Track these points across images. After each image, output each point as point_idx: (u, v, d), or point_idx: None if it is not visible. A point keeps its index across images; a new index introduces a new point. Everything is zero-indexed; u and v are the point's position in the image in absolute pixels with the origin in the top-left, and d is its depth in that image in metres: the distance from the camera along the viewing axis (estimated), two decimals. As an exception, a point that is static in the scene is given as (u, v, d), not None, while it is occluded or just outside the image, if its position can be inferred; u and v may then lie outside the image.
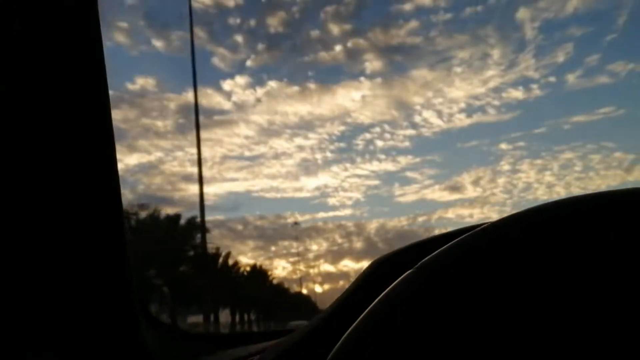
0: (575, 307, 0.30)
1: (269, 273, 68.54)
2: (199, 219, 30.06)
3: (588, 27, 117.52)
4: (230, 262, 53.75)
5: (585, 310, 0.28)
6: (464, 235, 0.34)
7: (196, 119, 33.28)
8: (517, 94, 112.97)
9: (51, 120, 0.55)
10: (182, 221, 35.27)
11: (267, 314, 59.80)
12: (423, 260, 0.35)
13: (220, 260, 47.45)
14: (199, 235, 29.31)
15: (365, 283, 0.58)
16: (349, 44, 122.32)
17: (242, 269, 56.59)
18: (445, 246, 0.34)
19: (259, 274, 60.24)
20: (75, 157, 0.57)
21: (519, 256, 0.31)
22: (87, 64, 0.62)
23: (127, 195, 29.20)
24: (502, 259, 0.31)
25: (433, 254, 0.34)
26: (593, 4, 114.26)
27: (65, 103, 0.57)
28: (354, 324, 0.33)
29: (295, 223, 57.07)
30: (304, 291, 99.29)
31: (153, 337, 0.68)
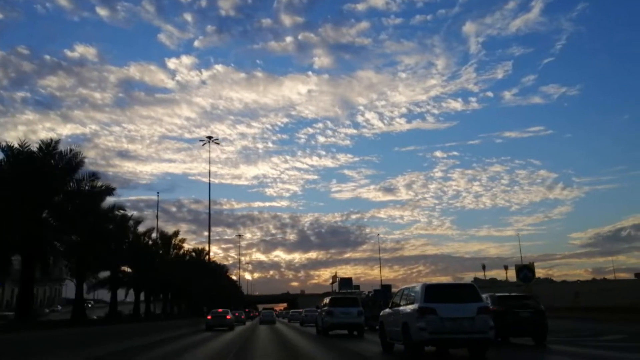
0: None
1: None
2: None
3: (528, 48, 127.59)
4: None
5: None
6: None
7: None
8: (456, 105, 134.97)
9: None
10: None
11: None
12: None
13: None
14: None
15: None
16: (300, 37, 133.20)
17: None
18: None
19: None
20: None
21: None
22: None
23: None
24: None
25: None
26: (535, 26, 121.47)
27: None
28: None
29: (209, 137, 49.74)
30: (234, 277, 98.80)
31: None
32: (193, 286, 51.43)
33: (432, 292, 11.79)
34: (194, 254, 62.22)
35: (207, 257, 59.51)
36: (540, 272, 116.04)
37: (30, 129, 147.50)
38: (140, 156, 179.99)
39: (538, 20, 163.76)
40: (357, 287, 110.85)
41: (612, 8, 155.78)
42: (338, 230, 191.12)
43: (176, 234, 53.08)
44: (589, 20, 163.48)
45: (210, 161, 47.32)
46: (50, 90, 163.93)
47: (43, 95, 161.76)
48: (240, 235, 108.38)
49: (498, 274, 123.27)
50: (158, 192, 52.63)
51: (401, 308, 12.88)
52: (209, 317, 34.48)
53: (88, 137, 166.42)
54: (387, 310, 14.39)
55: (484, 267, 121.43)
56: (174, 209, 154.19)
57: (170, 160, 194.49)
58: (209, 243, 54.06)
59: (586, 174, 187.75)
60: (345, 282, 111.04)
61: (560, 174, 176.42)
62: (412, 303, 12.18)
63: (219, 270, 76.62)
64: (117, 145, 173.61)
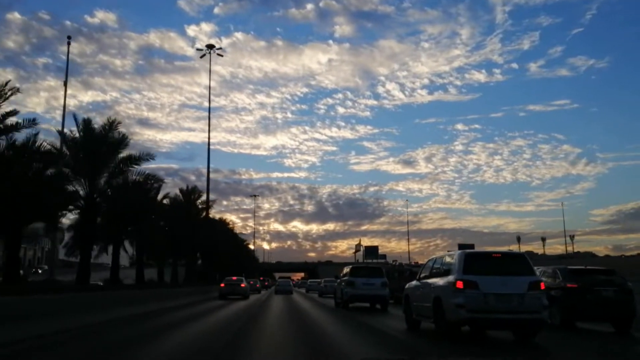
0: None
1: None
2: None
3: (556, 17, 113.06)
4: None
5: None
6: None
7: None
8: (480, 76, 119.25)
9: None
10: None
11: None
12: None
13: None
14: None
15: None
16: (321, 4, 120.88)
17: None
18: None
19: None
20: None
21: None
22: None
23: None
24: None
25: None
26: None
27: None
28: None
29: (210, 47, 41.94)
30: (252, 247, 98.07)
31: None
32: (179, 241, 36.95)
33: (473, 262, 9.78)
34: (179, 194, 42.88)
35: (197, 197, 44.62)
36: (559, 249, 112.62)
37: (52, 96, 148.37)
38: (160, 124, 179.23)
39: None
40: (384, 256, 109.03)
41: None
42: (356, 202, 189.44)
43: (112, 122, 25.54)
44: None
45: (210, 76, 40.04)
46: (71, 57, 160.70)
47: (64, 61, 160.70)
48: (255, 196, 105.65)
49: (519, 248, 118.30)
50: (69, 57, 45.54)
51: (431, 280, 10.85)
52: (222, 284, 33.59)
53: (109, 104, 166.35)
54: (414, 282, 12.27)
55: (518, 240, 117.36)
56: (193, 178, 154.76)
57: (190, 129, 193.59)
58: (208, 185, 43.33)
59: (611, 150, 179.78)
60: (371, 250, 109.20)
61: (584, 149, 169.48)
62: (446, 275, 10.12)
63: (223, 227, 58.28)
64: (137, 113, 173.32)
